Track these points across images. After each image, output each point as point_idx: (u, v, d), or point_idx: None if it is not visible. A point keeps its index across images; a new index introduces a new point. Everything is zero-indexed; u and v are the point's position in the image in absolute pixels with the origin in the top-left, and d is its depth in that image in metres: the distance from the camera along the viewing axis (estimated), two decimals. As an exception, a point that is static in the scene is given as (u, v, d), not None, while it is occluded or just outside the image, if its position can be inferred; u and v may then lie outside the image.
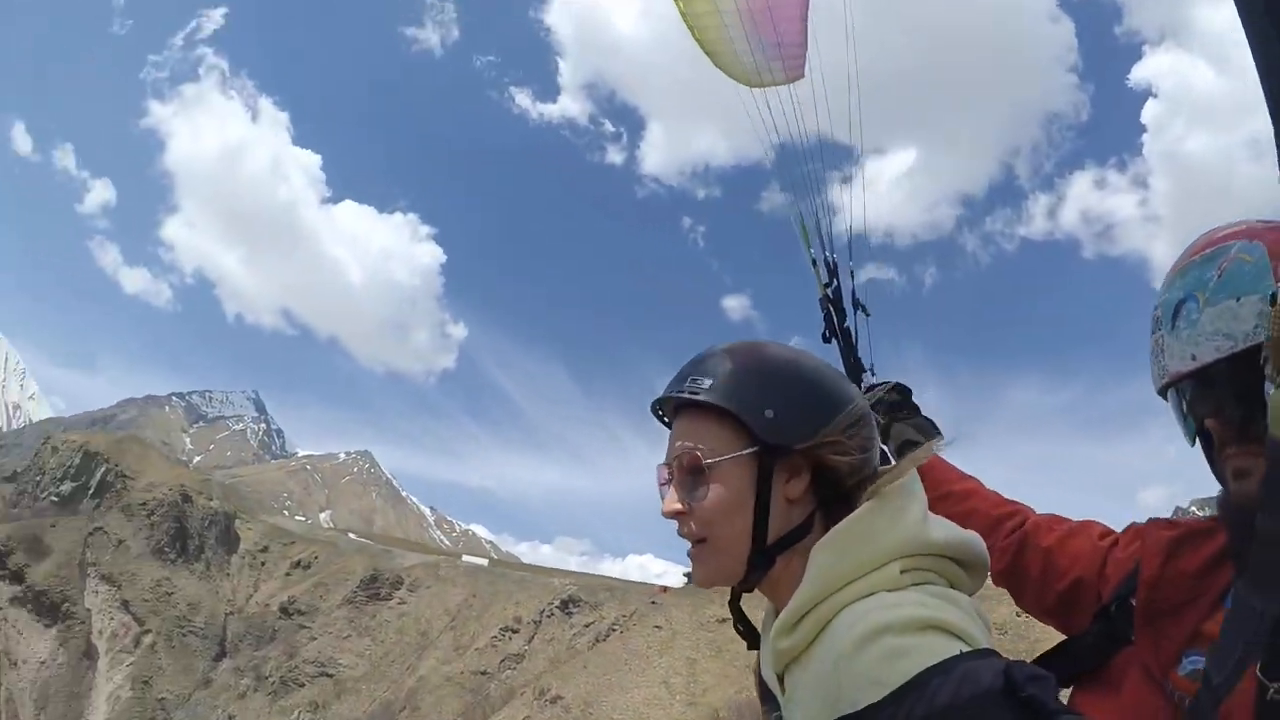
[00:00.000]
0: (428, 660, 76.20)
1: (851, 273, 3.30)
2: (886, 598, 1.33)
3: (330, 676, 75.53)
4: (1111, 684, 1.63)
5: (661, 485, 1.60)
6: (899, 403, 2.62)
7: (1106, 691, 1.64)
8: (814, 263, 3.33)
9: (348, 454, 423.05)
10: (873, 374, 2.94)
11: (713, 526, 1.48)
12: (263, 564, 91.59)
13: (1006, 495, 2.27)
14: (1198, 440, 1.60)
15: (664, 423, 1.64)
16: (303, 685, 75.53)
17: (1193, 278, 1.55)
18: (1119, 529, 1.97)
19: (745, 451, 1.47)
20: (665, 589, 74.58)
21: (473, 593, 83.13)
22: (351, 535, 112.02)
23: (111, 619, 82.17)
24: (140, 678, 78.32)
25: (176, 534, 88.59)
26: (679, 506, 1.51)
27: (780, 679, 1.51)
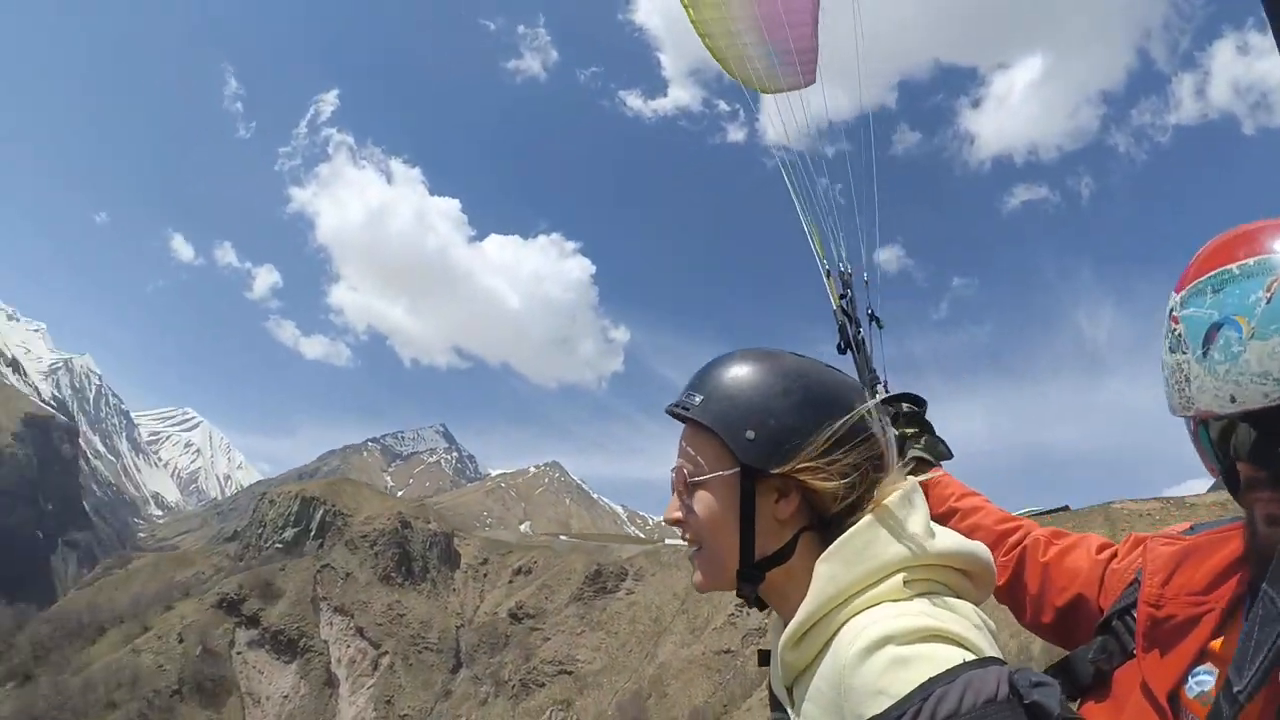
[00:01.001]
0: (665, 646, 74.28)
1: (866, 284, 3.28)
2: (890, 608, 1.32)
3: (569, 674, 73.89)
4: (1115, 701, 1.58)
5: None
6: (911, 415, 2.52)
7: (1109, 709, 1.59)
8: (828, 275, 3.31)
9: (537, 467, 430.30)
10: (886, 387, 2.92)
11: (703, 538, 1.51)
12: (485, 575, 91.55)
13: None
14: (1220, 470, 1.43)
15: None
16: (543, 685, 74.17)
17: (1232, 296, 1.32)
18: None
19: (727, 472, 1.48)
20: None
21: (698, 574, 78.79)
22: (563, 537, 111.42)
23: (348, 647, 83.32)
24: (382, 698, 79.23)
25: (400, 559, 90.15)
26: (678, 515, 1.55)
27: (789, 691, 1.51)
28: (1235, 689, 1.21)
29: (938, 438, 2.49)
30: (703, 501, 1.50)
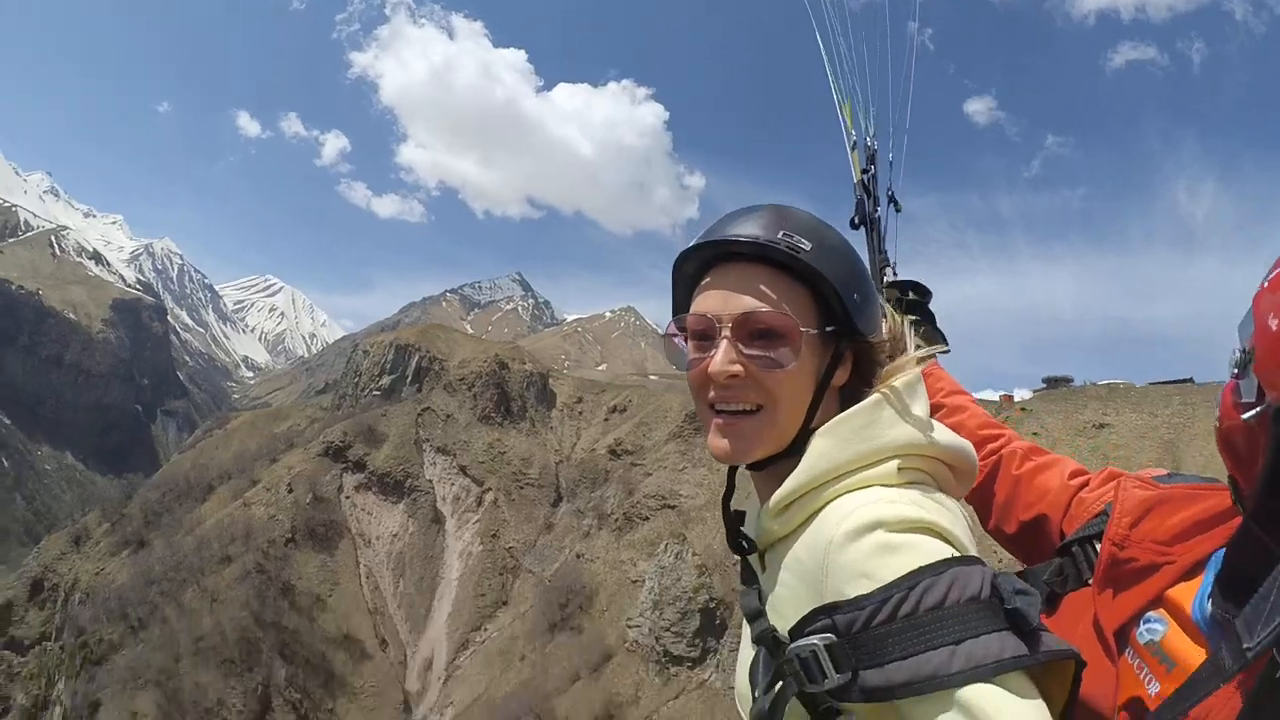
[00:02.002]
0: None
1: (890, 163, 3.15)
2: (882, 493, 1.31)
3: (673, 508, 73.56)
4: (1060, 625, 1.57)
5: (675, 336, 1.54)
6: (914, 304, 2.55)
7: (1055, 630, 1.50)
8: (853, 147, 3.17)
9: (612, 312, 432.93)
10: (895, 271, 2.85)
11: (778, 398, 1.41)
12: (580, 414, 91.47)
13: None
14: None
15: (680, 269, 1.56)
16: (646, 519, 74.18)
17: None
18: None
19: (828, 329, 1.43)
20: (1010, 398, 66.48)
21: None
22: (653, 376, 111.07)
23: (452, 485, 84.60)
24: (487, 532, 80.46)
25: (499, 399, 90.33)
26: (739, 369, 1.41)
27: (761, 554, 1.50)
28: (1244, 645, 1.16)
29: (938, 329, 2.49)
30: (787, 356, 1.40)
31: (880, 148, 3.19)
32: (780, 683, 1.26)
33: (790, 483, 1.37)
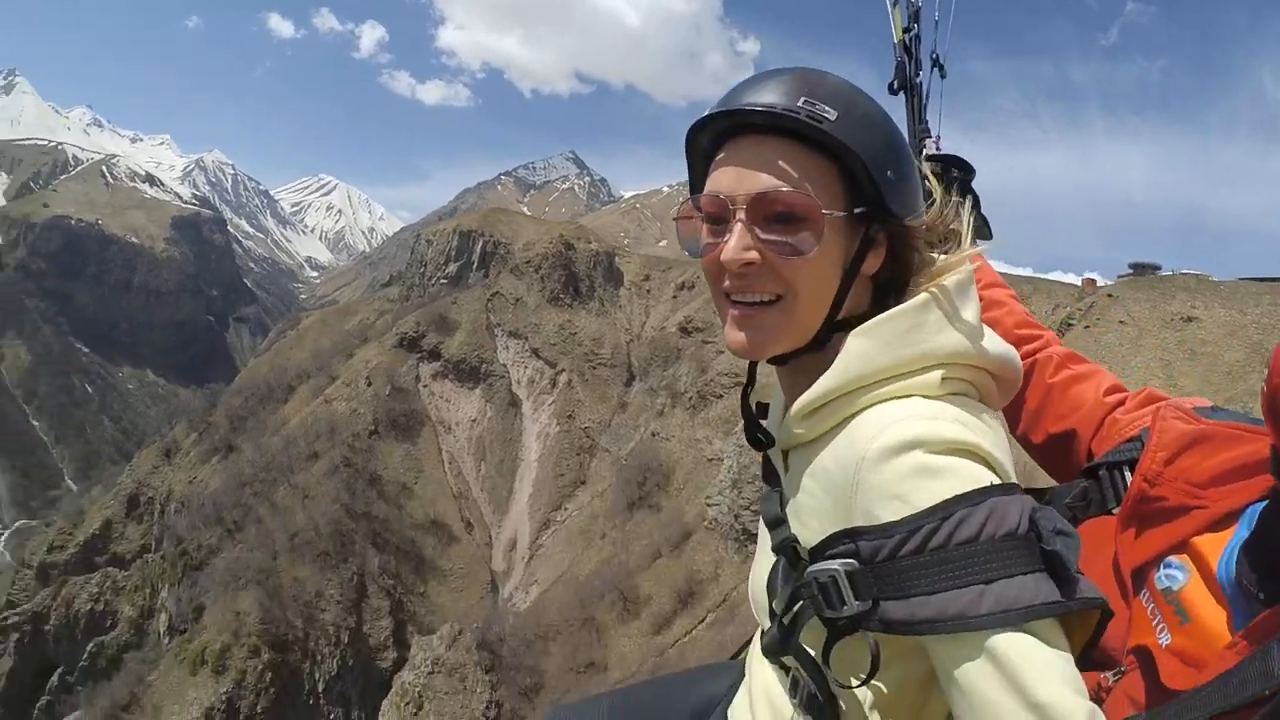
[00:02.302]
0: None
1: (936, 23, 2.83)
2: (923, 406, 1.19)
3: (747, 385, 73.27)
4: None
5: (688, 219, 1.38)
6: (958, 184, 2.30)
7: None
8: (894, 3, 2.84)
9: (670, 187, 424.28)
10: (938, 145, 2.57)
11: (799, 287, 1.27)
12: (648, 292, 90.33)
13: None
14: None
15: (693, 144, 1.39)
16: (720, 397, 73.55)
17: None
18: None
19: (858, 210, 1.27)
20: (1093, 282, 63.27)
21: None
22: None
23: (526, 368, 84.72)
24: (563, 413, 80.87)
25: (567, 280, 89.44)
26: (754, 256, 1.26)
27: (784, 454, 1.41)
28: None
29: (982, 215, 2.23)
30: (808, 243, 1.24)
31: (925, 3, 2.84)
32: (798, 604, 1.22)
33: (821, 385, 1.25)
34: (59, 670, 62.52)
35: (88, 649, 62.43)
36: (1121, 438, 1.60)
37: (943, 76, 2.79)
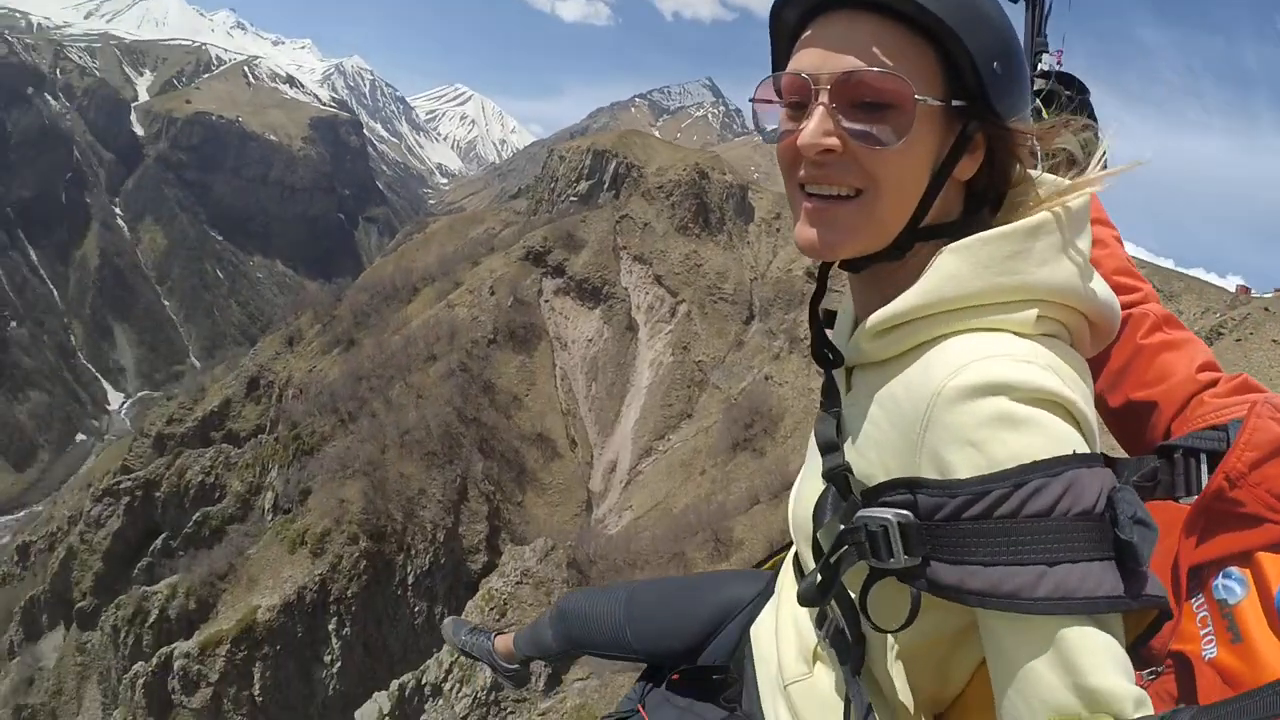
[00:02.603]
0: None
1: None
2: (1014, 344, 1.08)
3: (870, 339, 71.22)
4: None
5: (768, 101, 1.26)
6: (1080, 104, 2.13)
7: None
8: None
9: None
10: (1058, 63, 2.33)
11: (881, 182, 1.14)
12: (778, 231, 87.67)
13: None
14: None
15: (778, 19, 1.25)
16: (841, 348, 71.93)
17: None
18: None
19: (956, 103, 1.14)
20: (1247, 290, 58.17)
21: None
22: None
23: (647, 294, 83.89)
24: (679, 344, 79.78)
25: (697, 210, 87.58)
26: (835, 143, 1.14)
27: (849, 372, 1.32)
28: None
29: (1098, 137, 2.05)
30: (895, 133, 1.11)
31: None
32: (843, 548, 1.12)
33: (903, 302, 1.14)
34: (163, 535, 65.00)
35: (194, 518, 64.71)
36: (1206, 423, 1.44)
37: None
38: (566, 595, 2.33)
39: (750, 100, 1.27)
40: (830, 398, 1.31)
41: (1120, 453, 1.54)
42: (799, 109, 1.16)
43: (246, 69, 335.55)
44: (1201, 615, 1.22)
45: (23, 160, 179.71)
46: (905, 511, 1.04)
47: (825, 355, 1.32)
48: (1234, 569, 1.20)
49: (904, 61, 1.10)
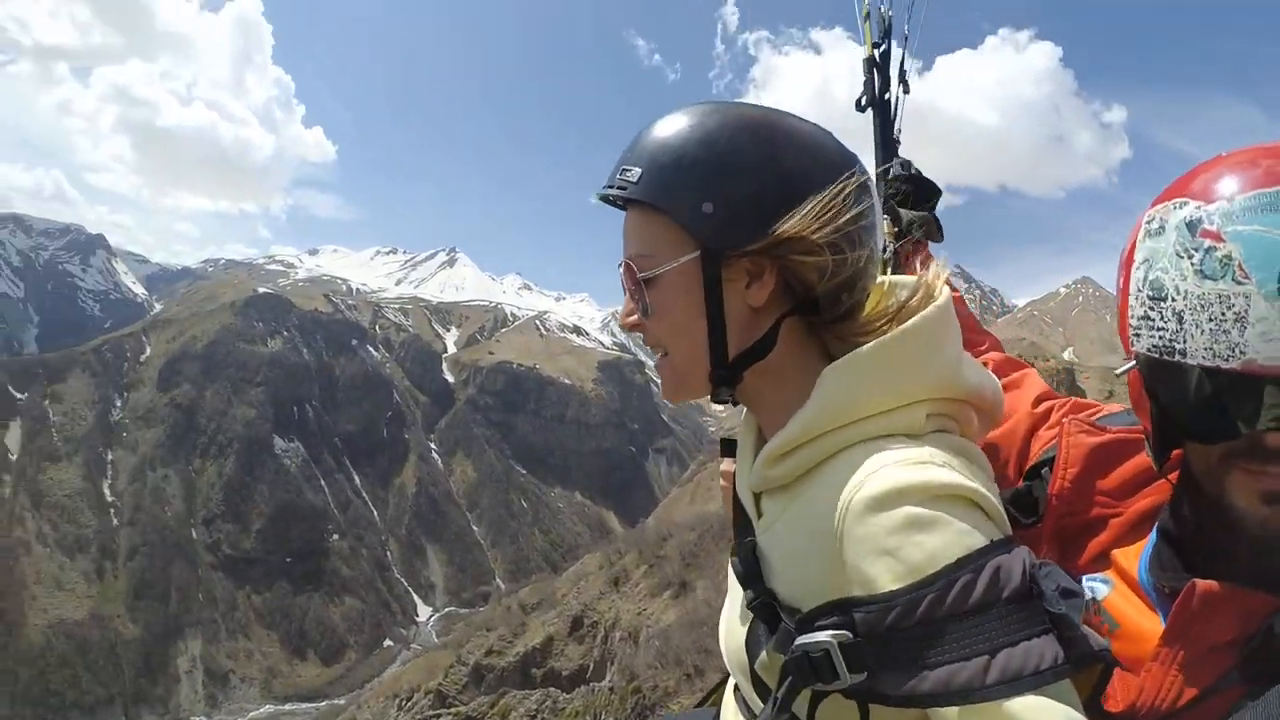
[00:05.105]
0: None
1: (906, 38, 2.79)
2: (907, 450, 1.08)
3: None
4: None
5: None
6: (920, 195, 2.32)
7: None
8: (866, 16, 2.78)
9: (1066, 286, 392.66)
10: (904, 166, 2.47)
11: (667, 341, 1.23)
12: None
13: None
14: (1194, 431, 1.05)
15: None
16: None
17: None
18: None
19: (685, 258, 1.17)
20: None
21: None
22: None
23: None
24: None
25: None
26: (635, 319, 1.25)
27: (757, 499, 1.28)
28: None
29: (934, 216, 2.27)
30: (661, 297, 1.20)
31: (896, 20, 2.79)
32: (789, 678, 1.06)
33: (795, 425, 1.15)
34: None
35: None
36: (1042, 449, 1.54)
37: (906, 93, 2.67)
38: None
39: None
40: (742, 527, 1.29)
41: None
42: None
43: (538, 322, 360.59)
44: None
45: (349, 400, 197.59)
46: (843, 632, 1.01)
47: (737, 502, 1.33)
48: (1091, 574, 1.27)
49: (650, 235, 1.19)
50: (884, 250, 1.29)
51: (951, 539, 0.99)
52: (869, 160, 2.50)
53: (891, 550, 1.00)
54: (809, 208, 1.13)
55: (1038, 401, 1.65)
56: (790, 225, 1.13)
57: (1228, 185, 0.96)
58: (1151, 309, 1.01)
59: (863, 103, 2.65)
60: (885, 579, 1.00)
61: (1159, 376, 1.04)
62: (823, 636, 1.01)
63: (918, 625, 0.97)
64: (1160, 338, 1.00)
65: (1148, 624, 1.15)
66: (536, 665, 74.83)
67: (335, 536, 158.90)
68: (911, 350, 1.14)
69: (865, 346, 1.14)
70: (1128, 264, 1.06)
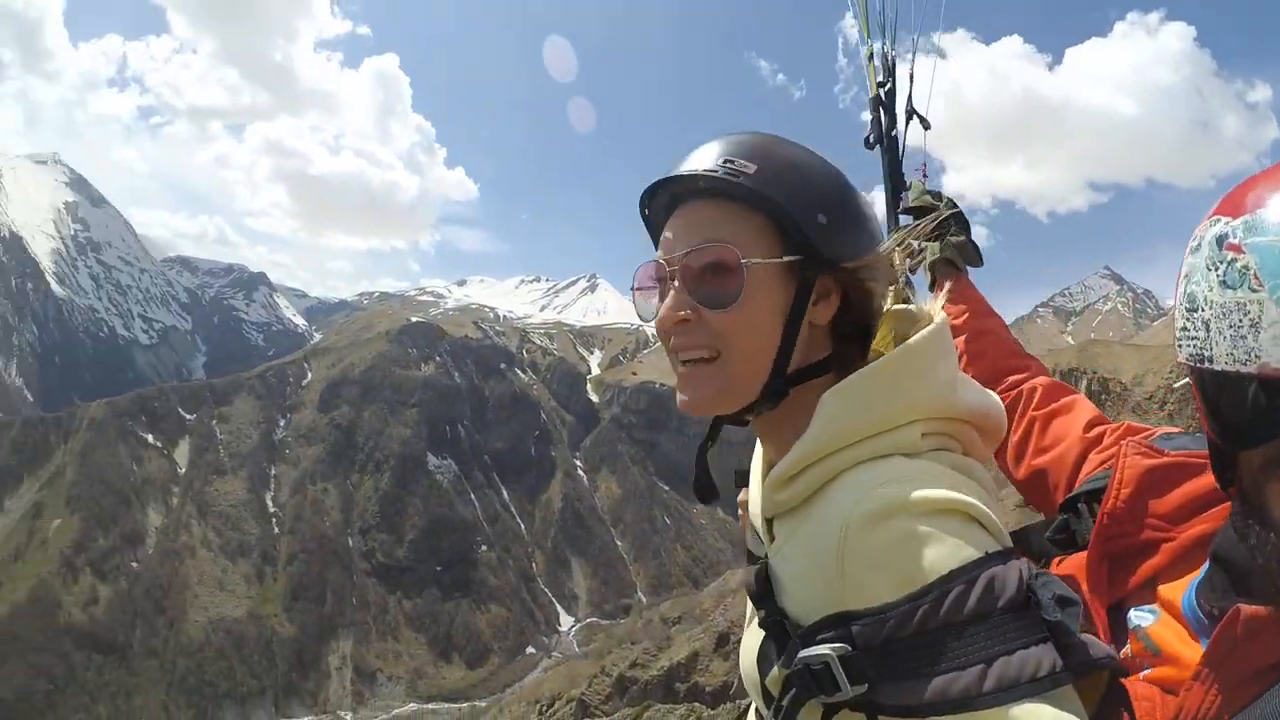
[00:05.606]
0: None
1: (912, 76, 2.75)
2: (903, 466, 1.12)
3: None
4: None
5: (643, 288, 1.33)
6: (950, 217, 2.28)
7: None
8: (870, 57, 2.80)
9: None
10: (924, 179, 2.54)
11: (732, 340, 1.20)
12: None
13: None
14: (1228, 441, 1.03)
15: (644, 216, 1.37)
16: None
17: None
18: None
19: (788, 258, 1.19)
20: None
21: None
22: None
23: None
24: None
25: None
26: (686, 314, 1.22)
27: (769, 523, 1.31)
28: None
29: (973, 241, 2.27)
30: (744, 293, 1.18)
31: (900, 59, 2.76)
32: (792, 689, 1.08)
33: (797, 450, 1.17)
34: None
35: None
36: (1094, 471, 1.55)
37: (926, 129, 2.68)
38: None
39: (632, 289, 1.34)
40: (755, 551, 1.33)
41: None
42: (663, 288, 1.26)
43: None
44: (1124, 648, 1.25)
45: (498, 420, 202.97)
46: (842, 644, 1.02)
47: (709, 485, 1.38)
48: (1139, 603, 1.25)
49: (739, 232, 1.18)
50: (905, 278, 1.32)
51: (946, 551, 1.00)
52: (877, 197, 2.23)
53: (891, 564, 1.01)
54: (888, 242, 1.24)
55: (1089, 426, 1.65)
56: (877, 252, 1.22)
57: (1252, 201, 0.98)
58: (1187, 320, 1.02)
59: (870, 140, 2.64)
60: (881, 591, 1.01)
61: (1198, 385, 1.04)
62: (823, 649, 1.02)
63: (914, 636, 0.98)
64: (1194, 346, 1.00)
65: (1188, 651, 1.14)
66: (681, 680, 73.99)
67: (484, 548, 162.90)
68: (903, 372, 1.16)
69: (863, 370, 1.17)
70: (1177, 281, 1.07)
